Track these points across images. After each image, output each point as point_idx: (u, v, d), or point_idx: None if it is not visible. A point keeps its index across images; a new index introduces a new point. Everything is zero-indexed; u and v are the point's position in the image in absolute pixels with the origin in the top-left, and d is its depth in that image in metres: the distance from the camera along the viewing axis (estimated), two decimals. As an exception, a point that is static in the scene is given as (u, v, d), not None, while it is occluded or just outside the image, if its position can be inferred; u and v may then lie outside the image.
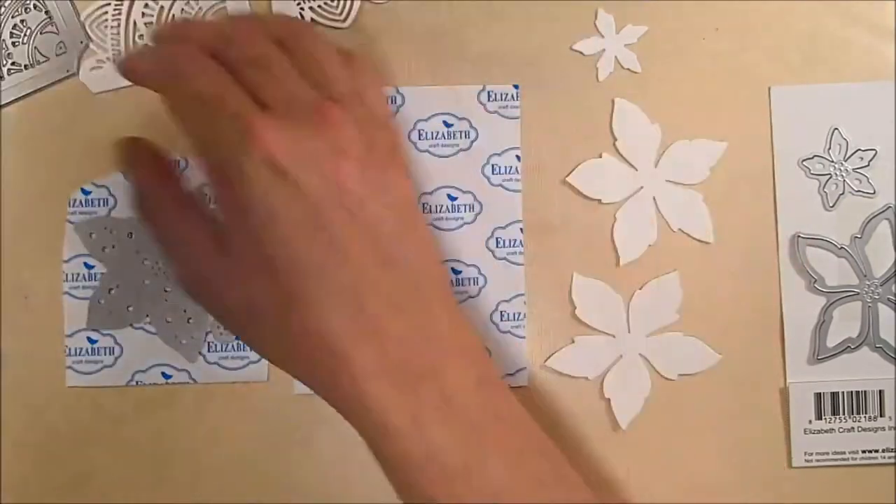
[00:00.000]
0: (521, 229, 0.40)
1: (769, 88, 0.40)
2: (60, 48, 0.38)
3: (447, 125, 0.40)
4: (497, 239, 0.40)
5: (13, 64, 0.38)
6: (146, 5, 0.40)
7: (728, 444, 0.40)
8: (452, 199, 0.40)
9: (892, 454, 0.39)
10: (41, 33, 0.38)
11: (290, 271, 0.27)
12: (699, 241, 0.40)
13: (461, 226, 0.40)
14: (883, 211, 0.40)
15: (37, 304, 0.39)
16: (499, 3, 0.40)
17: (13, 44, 0.38)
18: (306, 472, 0.39)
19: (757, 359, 0.40)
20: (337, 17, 0.40)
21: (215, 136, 0.28)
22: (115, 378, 0.39)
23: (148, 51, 0.32)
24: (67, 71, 0.39)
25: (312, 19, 0.40)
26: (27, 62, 0.38)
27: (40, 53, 0.38)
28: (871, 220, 0.40)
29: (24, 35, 0.38)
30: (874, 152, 0.40)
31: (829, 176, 0.40)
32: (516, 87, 0.40)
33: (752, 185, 0.40)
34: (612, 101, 0.40)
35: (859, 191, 0.40)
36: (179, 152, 0.40)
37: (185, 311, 0.39)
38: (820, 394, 0.39)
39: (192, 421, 0.39)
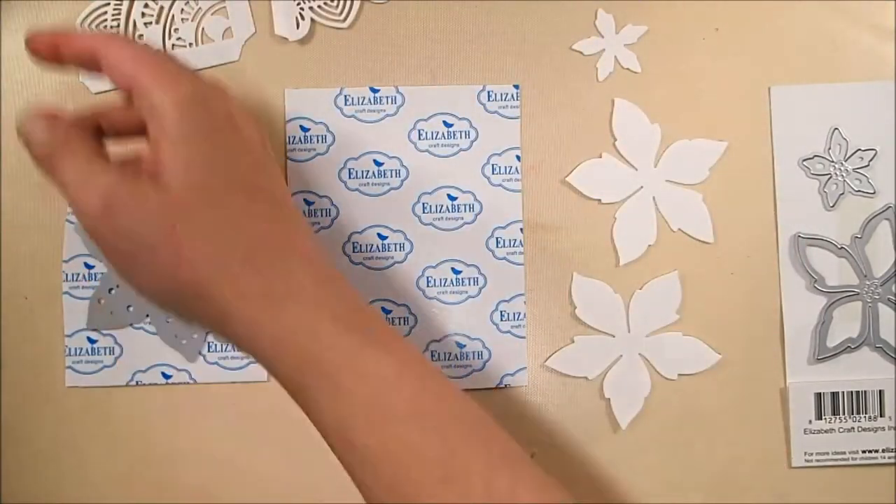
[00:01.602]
0: (521, 229, 0.40)
1: (769, 88, 0.40)
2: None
3: (447, 125, 0.40)
4: (497, 239, 0.40)
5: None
6: (146, 5, 0.40)
7: (728, 445, 0.40)
8: (452, 199, 0.40)
9: (892, 454, 0.39)
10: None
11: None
12: (699, 241, 0.40)
13: (461, 226, 0.40)
14: (883, 211, 0.40)
15: (37, 304, 0.39)
16: (499, 3, 0.40)
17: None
18: (307, 471, 0.39)
19: (757, 359, 0.40)
20: (337, 17, 0.40)
21: None
22: (115, 378, 0.39)
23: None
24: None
25: (312, 19, 0.40)
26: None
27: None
28: (871, 220, 0.40)
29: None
30: (874, 152, 0.40)
31: (829, 176, 0.40)
32: (516, 87, 0.40)
33: (752, 185, 0.40)
34: (612, 101, 0.40)
35: (859, 191, 0.40)
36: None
37: (185, 311, 0.39)
38: (820, 394, 0.39)
39: (192, 421, 0.39)
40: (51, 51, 0.31)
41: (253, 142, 0.31)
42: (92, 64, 0.30)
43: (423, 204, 0.40)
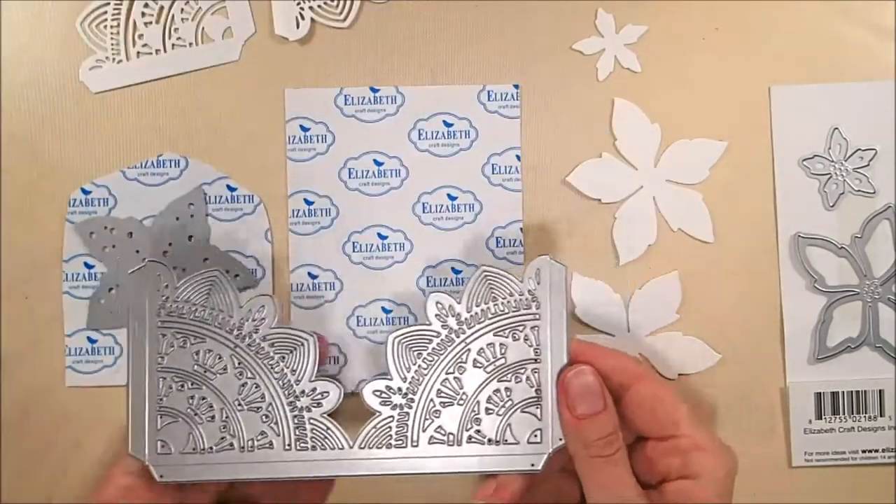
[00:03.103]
0: (520, 229, 0.40)
1: (769, 88, 0.40)
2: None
3: (447, 125, 0.40)
4: (497, 239, 0.40)
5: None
6: (146, 5, 0.40)
7: (728, 444, 0.39)
8: (452, 198, 0.40)
9: (892, 454, 0.39)
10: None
11: None
12: (699, 241, 0.40)
13: (461, 225, 0.40)
14: (883, 211, 0.40)
15: (37, 304, 0.39)
16: (498, 4, 0.40)
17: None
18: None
19: (757, 359, 0.40)
20: (337, 17, 0.40)
21: None
22: (115, 378, 0.39)
23: None
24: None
25: (312, 19, 0.40)
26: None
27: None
28: (871, 219, 0.40)
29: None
30: (874, 152, 0.40)
31: (829, 175, 0.40)
32: (516, 86, 0.40)
33: (752, 185, 0.40)
34: (612, 101, 0.40)
35: (859, 190, 0.40)
36: (180, 151, 0.40)
37: (185, 310, 0.39)
38: (820, 394, 0.39)
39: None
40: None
41: None
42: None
43: (423, 204, 0.40)
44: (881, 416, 0.39)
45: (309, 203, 0.40)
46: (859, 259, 0.40)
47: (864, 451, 0.39)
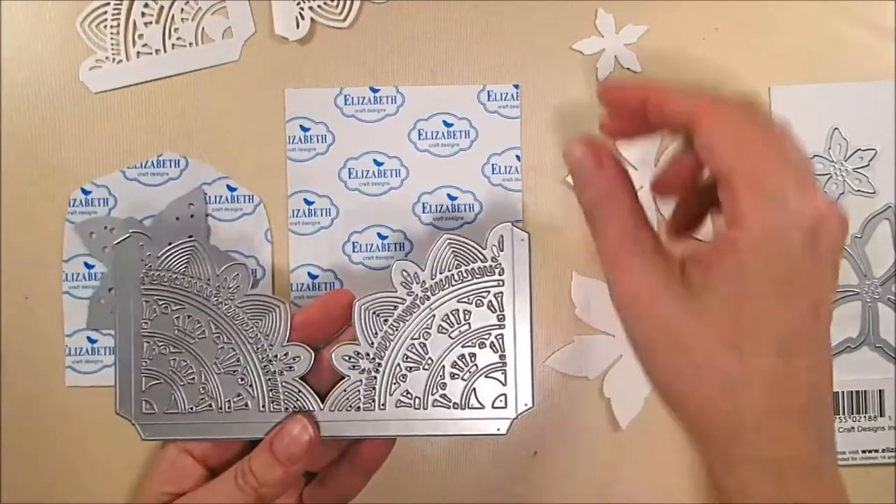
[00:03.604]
0: (521, 229, 0.40)
1: (769, 88, 0.40)
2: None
3: (447, 125, 0.40)
4: (497, 239, 0.40)
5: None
6: (146, 5, 0.40)
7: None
8: (452, 198, 0.40)
9: (892, 454, 0.39)
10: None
11: None
12: (699, 241, 0.40)
13: (461, 225, 0.40)
14: (883, 211, 0.40)
15: (37, 304, 0.39)
16: (499, 4, 0.40)
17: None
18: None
19: (757, 359, 0.40)
20: (337, 17, 0.40)
21: None
22: (115, 378, 0.39)
23: None
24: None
25: (312, 19, 0.40)
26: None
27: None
28: (871, 219, 0.40)
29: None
30: (874, 152, 0.40)
31: (829, 176, 0.40)
32: (516, 86, 0.40)
33: (752, 185, 0.40)
34: (612, 101, 0.40)
35: (859, 190, 0.40)
36: (180, 151, 0.40)
37: (185, 310, 0.39)
38: (820, 394, 0.39)
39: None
40: (635, 104, 0.28)
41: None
42: (683, 130, 0.27)
43: (423, 204, 0.40)
44: (881, 416, 0.39)
45: (309, 203, 0.40)
46: (859, 259, 0.40)
47: (864, 451, 0.39)
